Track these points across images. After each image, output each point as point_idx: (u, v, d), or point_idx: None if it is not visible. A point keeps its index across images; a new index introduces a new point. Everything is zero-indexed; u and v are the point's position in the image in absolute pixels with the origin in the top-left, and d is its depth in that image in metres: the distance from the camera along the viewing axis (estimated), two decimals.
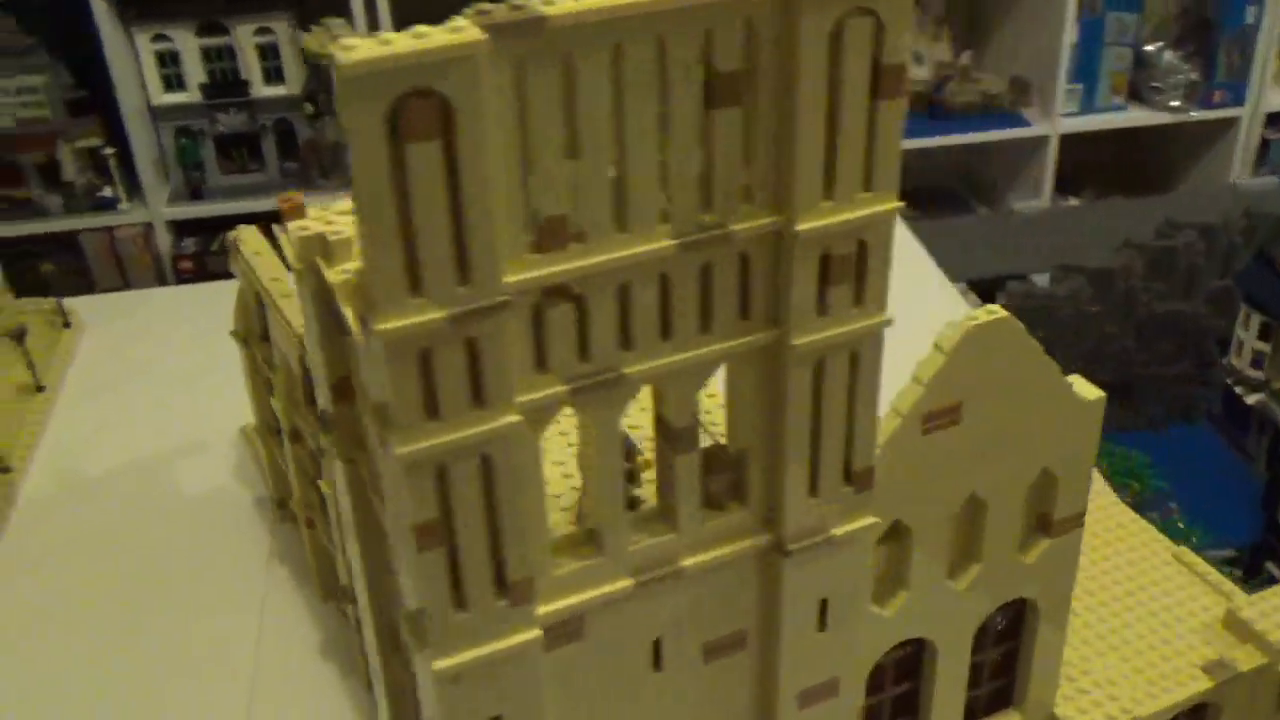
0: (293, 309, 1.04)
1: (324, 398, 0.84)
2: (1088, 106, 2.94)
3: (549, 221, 0.63)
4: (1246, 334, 1.75)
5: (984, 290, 2.01)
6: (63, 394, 1.65)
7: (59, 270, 2.55)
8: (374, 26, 2.52)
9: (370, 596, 0.88)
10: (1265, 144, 3.23)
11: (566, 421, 0.91)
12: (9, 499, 1.44)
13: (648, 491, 0.81)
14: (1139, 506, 1.60)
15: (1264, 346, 1.74)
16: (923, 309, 1.68)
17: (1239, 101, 3.07)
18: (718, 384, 0.77)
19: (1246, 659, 1.04)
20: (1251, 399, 1.77)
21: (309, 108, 2.65)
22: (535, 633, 0.72)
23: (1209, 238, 1.93)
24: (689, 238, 0.66)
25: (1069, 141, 2.95)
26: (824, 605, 0.82)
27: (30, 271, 1.88)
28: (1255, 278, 1.75)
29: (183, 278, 2.70)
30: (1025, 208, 2.89)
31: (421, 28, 0.55)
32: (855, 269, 0.71)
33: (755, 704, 0.85)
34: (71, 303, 1.82)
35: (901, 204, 0.69)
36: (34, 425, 1.56)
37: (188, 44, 2.52)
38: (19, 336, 1.59)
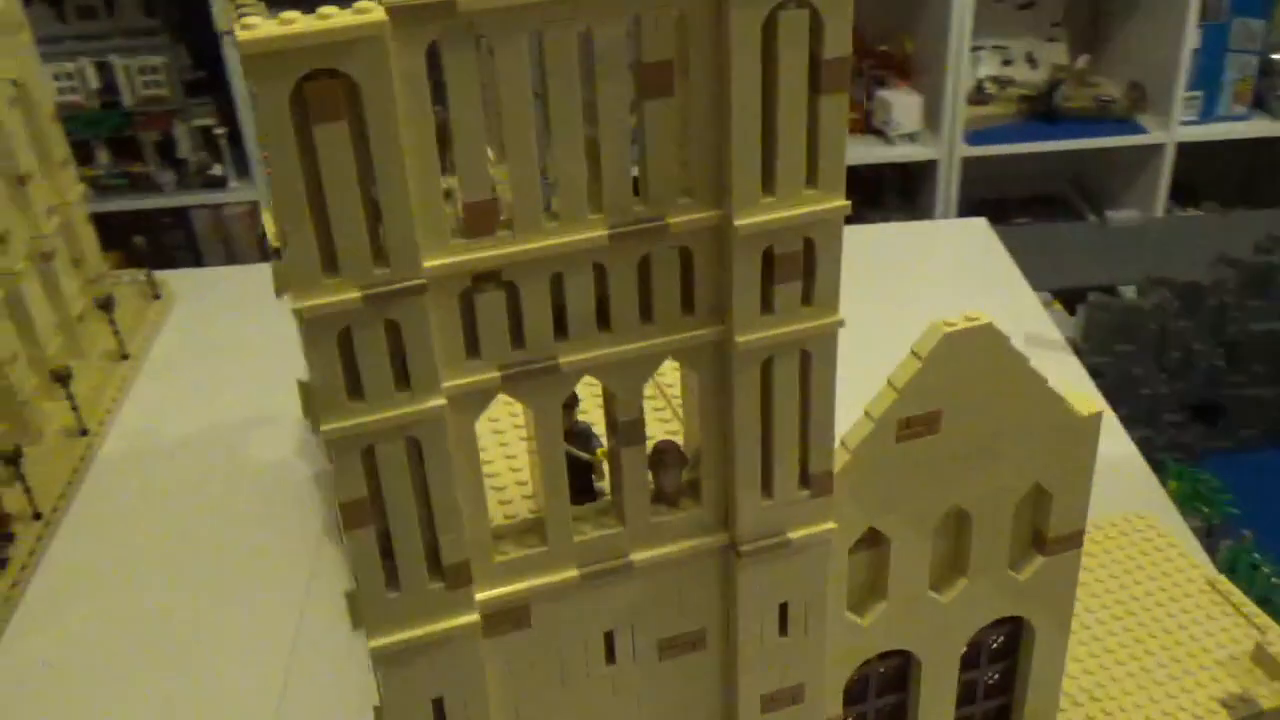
0: None
1: None
2: (1208, 115, 2.81)
3: (473, 207, 0.63)
4: None
5: (1070, 300, 1.95)
6: (146, 363, 1.71)
7: (167, 245, 2.66)
8: None
9: None
10: None
11: None
12: (86, 460, 1.50)
13: None
14: (1209, 532, 1.54)
15: None
16: (997, 314, 1.66)
17: None
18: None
19: (1270, 697, 0.98)
20: None
21: None
22: (472, 617, 0.73)
23: None
24: (621, 229, 0.65)
25: (1188, 151, 2.83)
26: (784, 609, 0.80)
27: (127, 244, 1.95)
28: None
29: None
30: (1121, 217, 2.78)
31: (326, 9, 0.56)
32: (803, 267, 0.69)
33: (718, 706, 0.84)
34: (164, 275, 1.88)
35: (848, 203, 0.67)
36: (115, 391, 1.62)
37: None
38: (107, 306, 1.66)
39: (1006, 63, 2.95)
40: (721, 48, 0.62)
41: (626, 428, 0.72)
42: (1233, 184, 3.09)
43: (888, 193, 3.02)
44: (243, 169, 2.68)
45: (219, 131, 2.62)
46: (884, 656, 0.90)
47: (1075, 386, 1.51)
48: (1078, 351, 1.68)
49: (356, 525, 0.68)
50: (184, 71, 2.58)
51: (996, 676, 0.95)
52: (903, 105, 2.76)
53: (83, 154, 2.69)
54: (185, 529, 1.39)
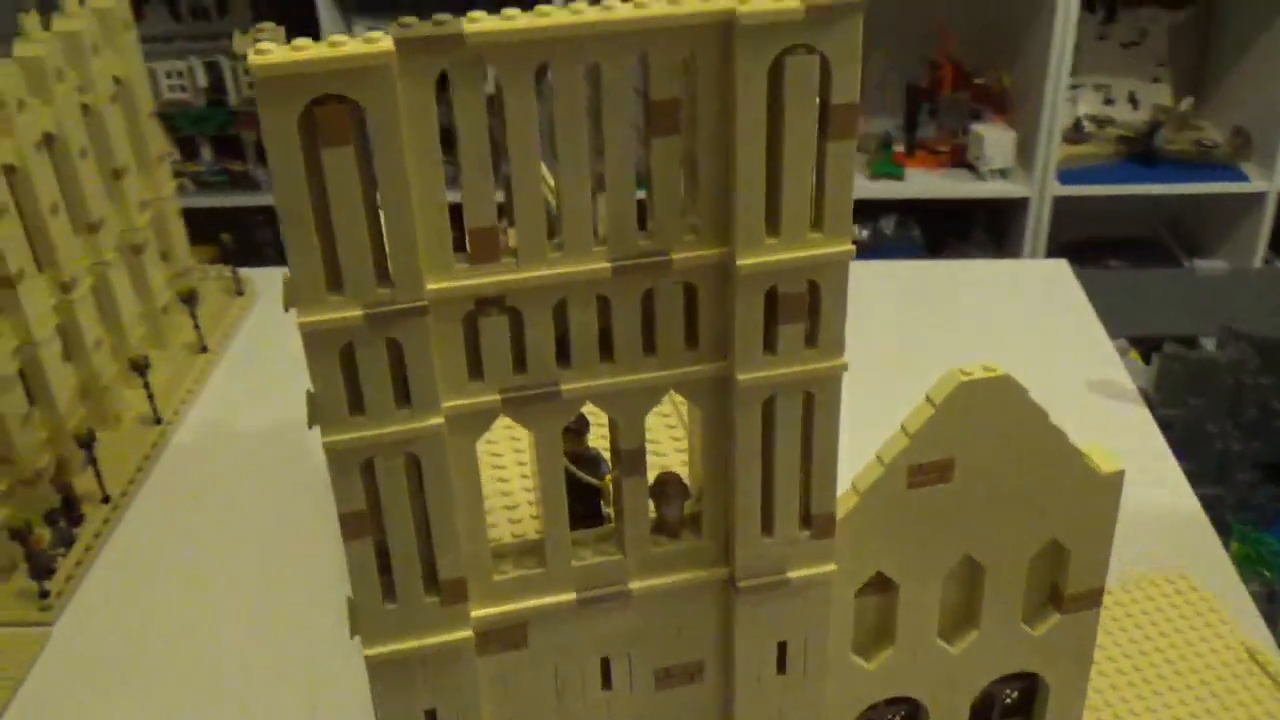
0: None
1: None
2: None
3: (477, 234, 0.64)
4: None
5: (1148, 349, 1.90)
6: (224, 357, 1.76)
7: (260, 242, 2.73)
8: None
9: None
10: None
11: None
12: (158, 448, 1.55)
13: None
14: (1270, 597, 1.50)
15: None
16: (1068, 360, 1.63)
17: None
18: None
19: None
20: None
21: None
22: (466, 633, 0.74)
23: None
24: (624, 262, 0.66)
25: None
26: (783, 648, 0.80)
27: (215, 240, 2.02)
28: None
29: None
30: (1209, 267, 2.70)
31: (337, 37, 0.58)
32: (808, 310, 0.69)
33: None
34: (249, 273, 1.94)
35: (853, 248, 0.67)
36: (192, 383, 1.67)
37: None
38: (190, 299, 1.71)
39: (1108, 101, 2.90)
40: (728, 89, 0.63)
41: (628, 457, 0.73)
42: None
43: (976, 228, 2.99)
44: None
45: None
46: (891, 703, 0.89)
47: (1141, 437, 1.50)
48: (1149, 402, 1.64)
49: (355, 536, 0.69)
50: None
51: None
52: (996, 140, 2.73)
53: (188, 150, 2.79)
54: (248, 521, 1.42)
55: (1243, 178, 2.75)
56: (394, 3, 2.62)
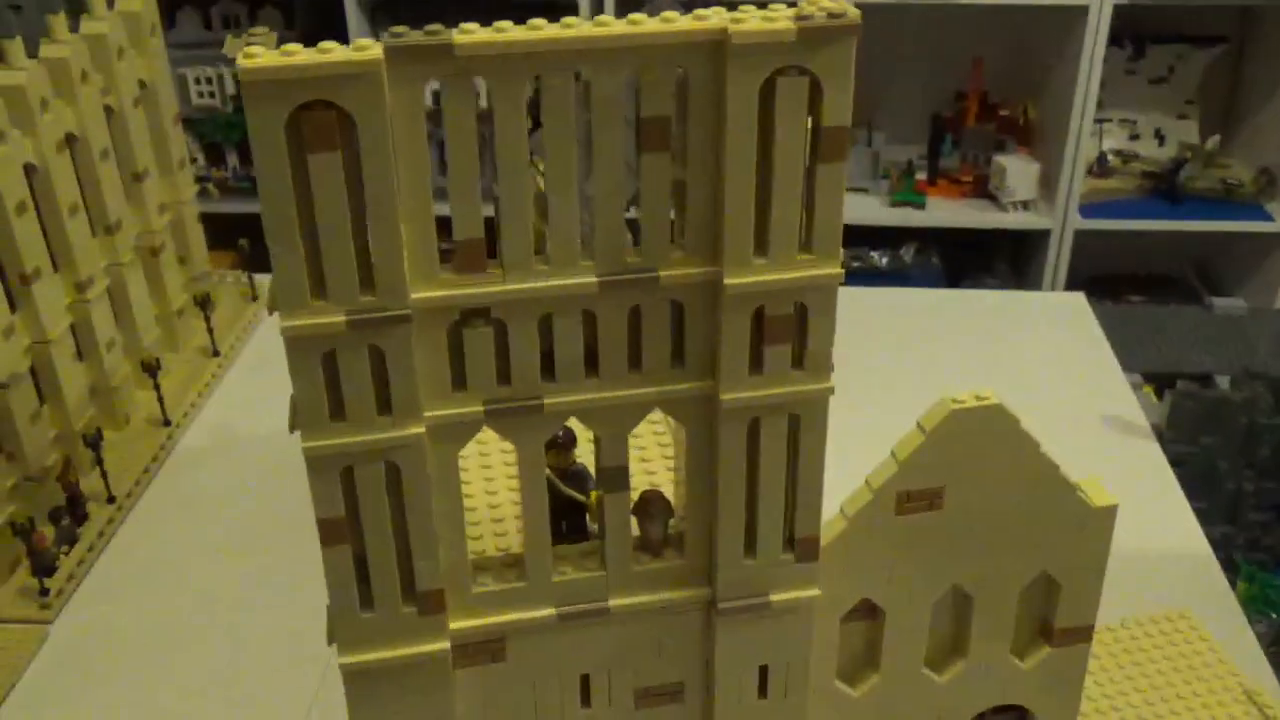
0: None
1: None
2: None
3: (463, 245, 0.64)
4: None
5: (1163, 385, 1.89)
6: (236, 361, 1.76)
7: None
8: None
9: None
10: None
11: None
12: (166, 450, 1.55)
13: None
14: (1275, 638, 1.48)
15: None
16: (1080, 393, 1.62)
17: None
18: None
19: None
20: None
21: None
22: (443, 645, 0.74)
23: None
24: (611, 277, 0.66)
25: None
26: (765, 671, 0.79)
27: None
28: None
29: None
30: (1227, 305, 2.68)
31: (326, 43, 0.58)
32: (796, 331, 0.69)
33: None
34: (265, 279, 1.94)
35: (841, 271, 0.67)
36: (202, 387, 1.67)
37: None
38: (204, 303, 1.72)
39: (1133, 137, 2.89)
40: (719, 108, 0.63)
41: (611, 474, 0.73)
42: None
43: (997, 260, 2.97)
44: None
45: None
46: None
47: (1152, 474, 1.49)
48: (1161, 439, 1.63)
49: (333, 543, 0.69)
50: None
51: None
52: (1019, 172, 2.72)
53: (214, 156, 2.81)
54: (251, 525, 1.42)
55: (1267, 218, 2.73)
56: (423, 14, 2.64)
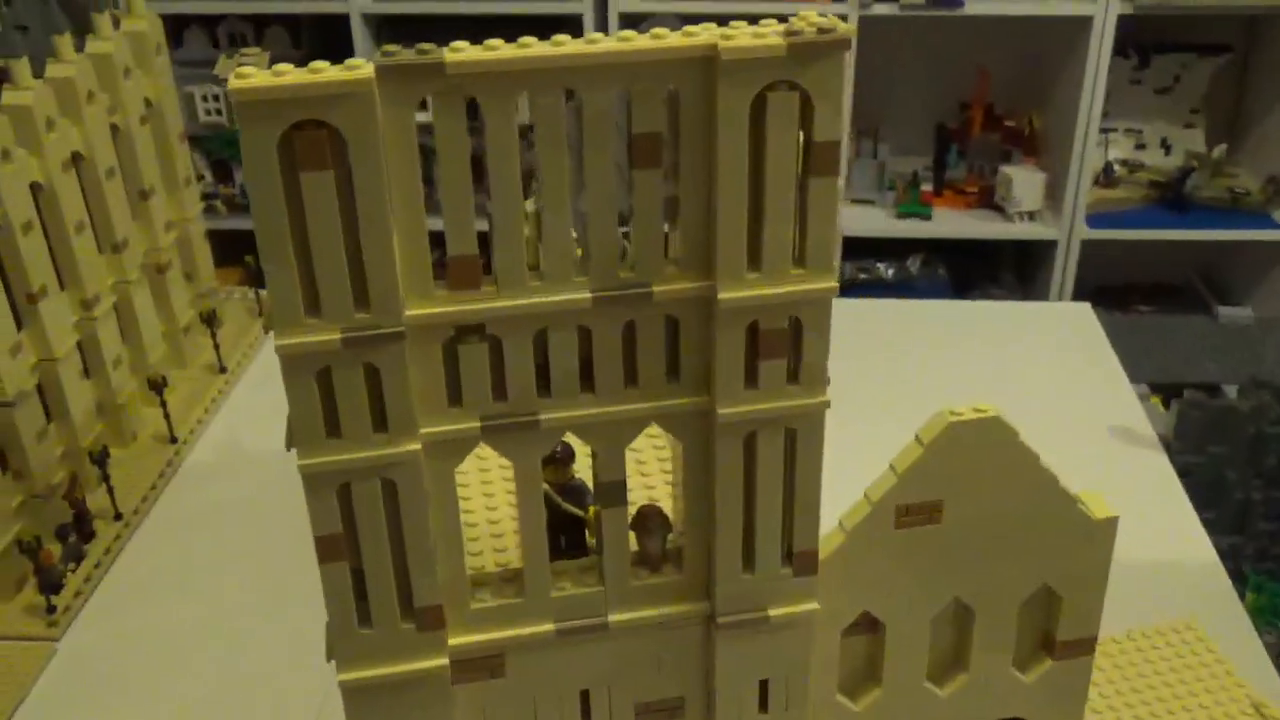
0: None
1: None
2: None
3: (457, 261, 0.64)
4: None
5: (1170, 395, 1.88)
6: (242, 378, 1.77)
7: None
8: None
9: None
10: None
11: None
12: (173, 466, 1.56)
13: None
14: None
15: None
16: (1087, 404, 1.62)
17: None
18: None
19: None
20: None
21: None
22: (442, 661, 0.74)
23: None
24: (605, 293, 0.66)
25: None
26: (765, 686, 0.79)
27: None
28: None
29: None
30: (1233, 315, 2.67)
31: (318, 63, 0.58)
32: (790, 345, 0.69)
33: None
34: None
35: (835, 285, 0.67)
36: (209, 403, 1.68)
37: None
38: (210, 320, 1.73)
39: (1140, 146, 2.88)
40: (710, 124, 0.63)
41: (608, 489, 0.73)
42: None
43: (1004, 270, 2.97)
44: None
45: None
46: None
47: (1159, 484, 1.48)
48: (1168, 448, 1.62)
49: (330, 560, 0.69)
50: None
51: None
52: (1025, 182, 2.71)
53: (222, 173, 2.82)
54: (257, 542, 1.43)
55: (1274, 226, 2.72)
56: (429, 33, 2.65)
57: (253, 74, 0.58)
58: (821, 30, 0.62)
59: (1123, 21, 2.60)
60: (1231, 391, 1.82)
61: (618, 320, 0.68)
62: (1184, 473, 1.55)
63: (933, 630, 0.84)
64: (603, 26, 2.67)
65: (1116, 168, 2.85)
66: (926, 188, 2.90)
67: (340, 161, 0.60)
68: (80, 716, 1.18)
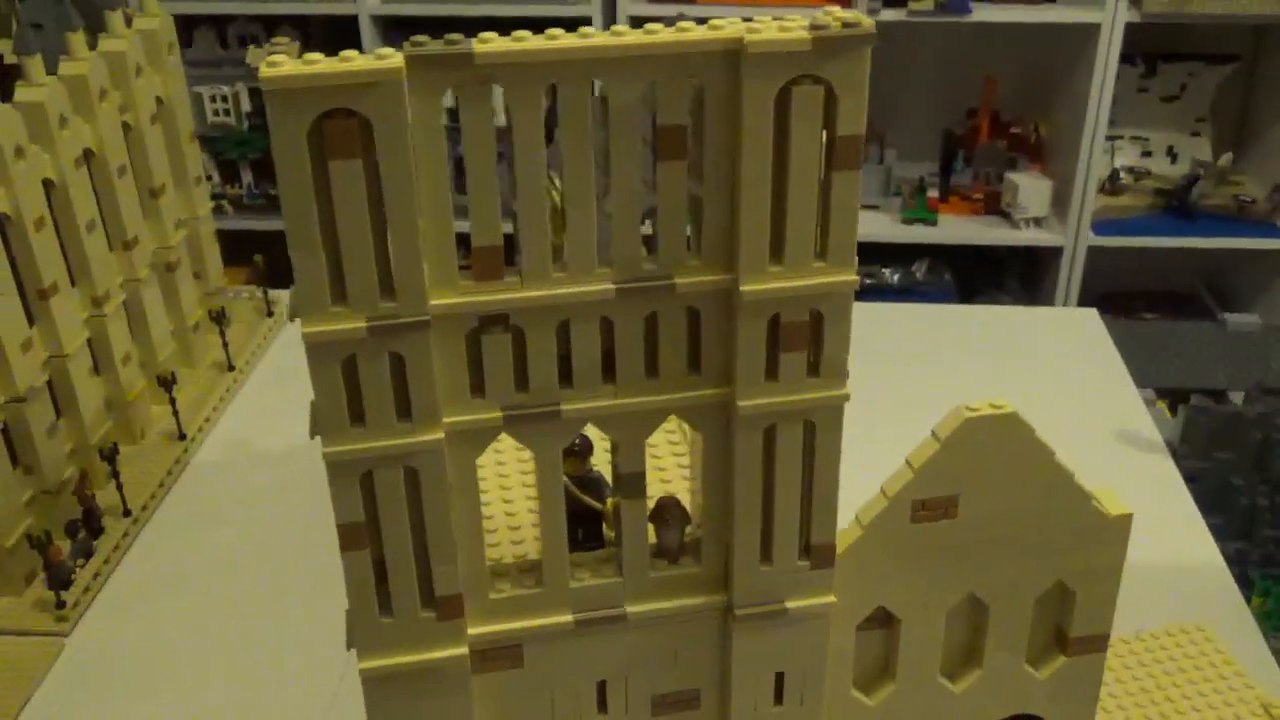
0: None
1: None
2: None
3: (481, 252, 0.65)
4: None
5: (1176, 401, 1.88)
6: (251, 376, 1.77)
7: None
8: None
9: None
10: None
11: None
12: (181, 463, 1.56)
13: None
14: None
15: None
16: (1093, 409, 1.62)
17: None
18: None
19: None
20: None
21: None
22: (462, 650, 0.74)
23: None
24: (628, 284, 0.67)
25: None
26: (781, 679, 0.79)
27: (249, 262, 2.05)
28: None
29: None
30: (1239, 321, 2.67)
31: (347, 52, 0.59)
32: (811, 338, 0.69)
33: None
34: (279, 294, 1.95)
35: (856, 278, 0.67)
36: (218, 401, 1.68)
37: None
38: (220, 319, 1.73)
39: (1146, 154, 2.89)
40: (735, 117, 0.64)
41: (628, 480, 0.73)
42: None
43: (1010, 276, 2.98)
44: None
45: None
46: None
47: (1165, 489, 1.48)
48: (1174, 454, 1.63)
49: (353, 548, 0.70)
50: None
51: None
52: (1031, 189, 2.72)
53: (229, 173, 2.83)
54: (266, 539, 1.43)
55: (1278, 234, 2.73)
56: (437, 36, 2.66)
57: (284, 63, 0.58)
58: (846, 25, 0.62)
59: (1130, 30, 2.61)
60: (1238, 398, 1.82)
61: (640, 312, 0.68)
62: (1190, 478, 1.56)
63: (947, 625, 0.84)
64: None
65: (1122, 175, 2.85)
66: (933, 193, 2.90)
67: (368, 151, 0.60)
68: (89, 711, 1.18)
